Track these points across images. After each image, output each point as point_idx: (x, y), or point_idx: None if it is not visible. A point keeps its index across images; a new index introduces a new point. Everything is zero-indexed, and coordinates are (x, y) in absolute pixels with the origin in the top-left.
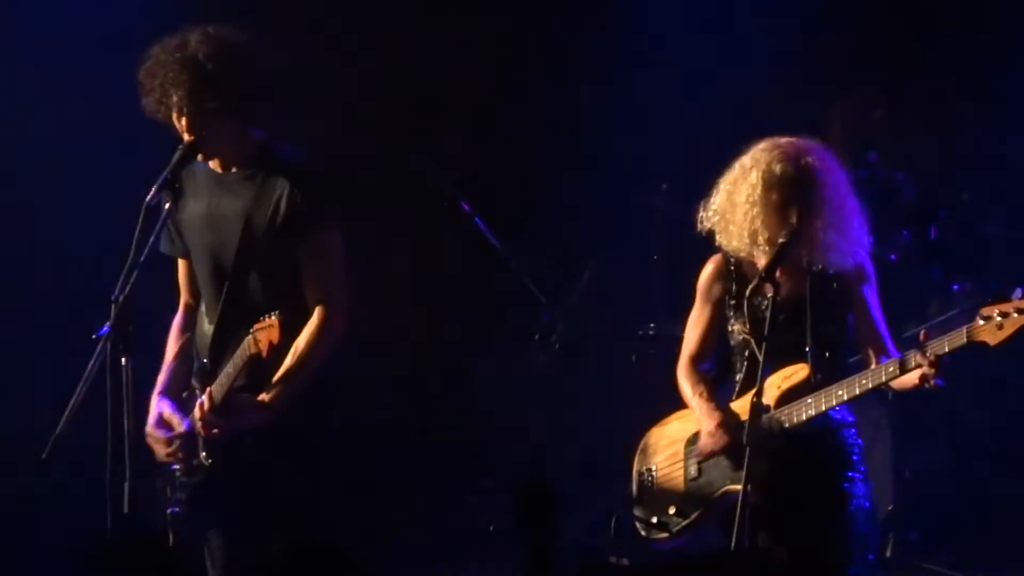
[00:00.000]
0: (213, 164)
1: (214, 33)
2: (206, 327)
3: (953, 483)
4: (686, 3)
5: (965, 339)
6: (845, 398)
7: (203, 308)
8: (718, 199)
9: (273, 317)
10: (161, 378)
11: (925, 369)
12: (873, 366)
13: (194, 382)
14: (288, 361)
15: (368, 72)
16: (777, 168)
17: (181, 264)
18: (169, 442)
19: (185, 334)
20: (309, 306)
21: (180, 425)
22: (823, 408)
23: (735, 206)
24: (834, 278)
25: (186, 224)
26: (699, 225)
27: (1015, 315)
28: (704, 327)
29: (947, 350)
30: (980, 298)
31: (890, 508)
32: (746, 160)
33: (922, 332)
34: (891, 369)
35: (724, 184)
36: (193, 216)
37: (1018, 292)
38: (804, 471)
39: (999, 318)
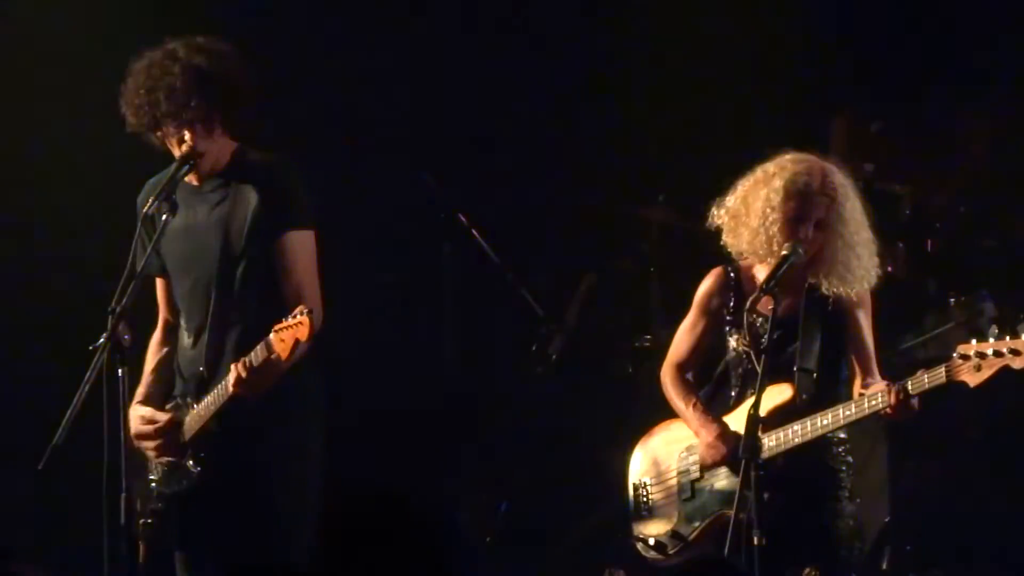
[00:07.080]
0: (189, 176)
1: (203, 43)
2: (186, 341)
3: (949, 496)
4: (684, 14)
5: (945, 378)
6: (830, 427)
7: (183, 323)
8: (732, 200)
9: (303, 315)
10: (140, 390)
11: (887, 409)
12: (856, 396)
13: (179, 394)
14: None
15: (365, 83)
16: (801, 180)
17: (159, 282)
18: (158, 432)
19: (164, 348)
20: (287, 305)
21: (166, 420)
22: (809, 436)
23: (750, 209)
24: (831, 299)
25: (163, 238)
26: (708, 221)
27: (992, 357)
28: (696, 337)
29: (927, 386)
30: (975, 312)
31: (886, 521)
32: (770, 167)
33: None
34: (874, 403)
35: (741, 186)
36: (169, 229)
37: (994, 330)
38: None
39: (977, 359)
